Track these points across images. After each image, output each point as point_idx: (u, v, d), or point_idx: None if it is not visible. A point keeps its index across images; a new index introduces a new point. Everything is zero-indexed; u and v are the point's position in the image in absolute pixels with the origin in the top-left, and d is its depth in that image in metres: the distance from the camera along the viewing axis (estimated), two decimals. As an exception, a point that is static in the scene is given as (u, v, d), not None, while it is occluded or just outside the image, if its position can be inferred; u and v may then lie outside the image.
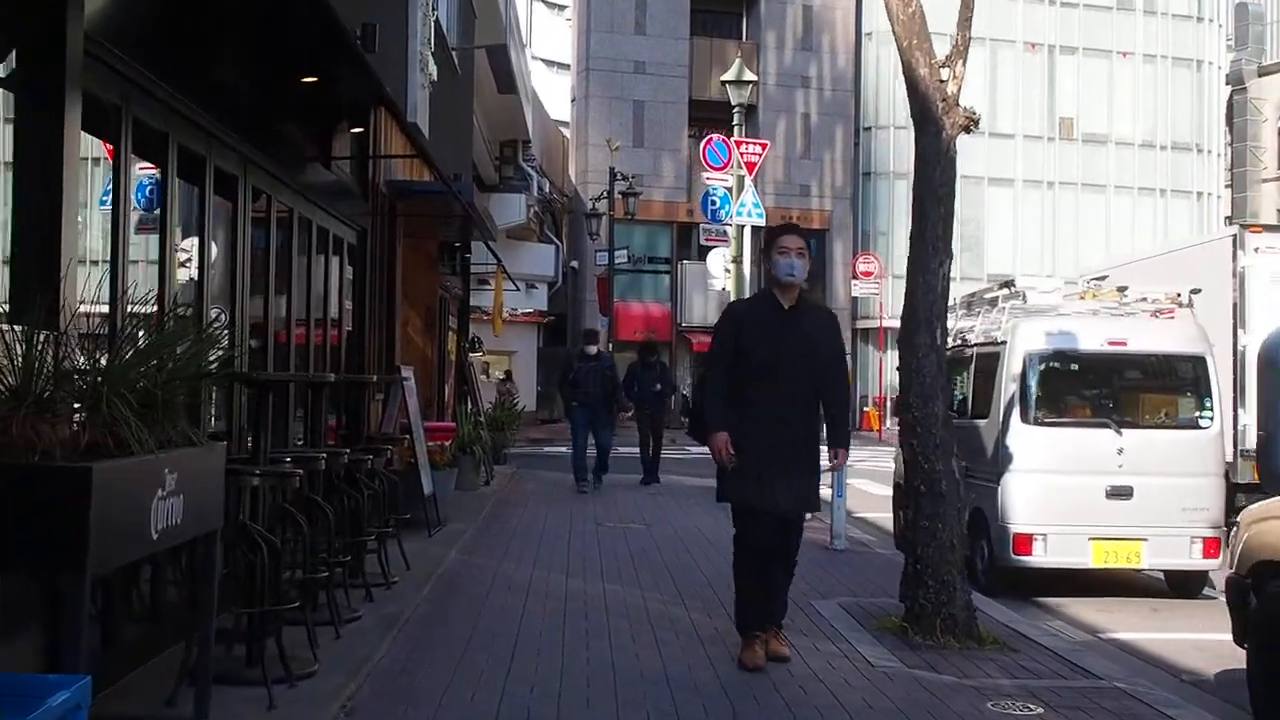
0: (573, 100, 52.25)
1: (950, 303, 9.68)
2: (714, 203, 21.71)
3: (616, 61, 49.01)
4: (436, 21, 16.59)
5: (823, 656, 8.03)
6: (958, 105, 9.21)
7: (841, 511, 13.37)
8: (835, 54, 51.60)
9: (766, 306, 8.28)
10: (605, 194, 43.00)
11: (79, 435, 4.37)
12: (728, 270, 23.39)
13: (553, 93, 53.01)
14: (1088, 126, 53.85)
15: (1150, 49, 54.98)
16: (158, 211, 7.40)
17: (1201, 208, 55.93)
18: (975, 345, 13.04)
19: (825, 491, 13.20)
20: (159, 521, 4.51)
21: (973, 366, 12.96)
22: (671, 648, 8.24)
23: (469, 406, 20.57)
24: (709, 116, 50.23)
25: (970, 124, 9.22)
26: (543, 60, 56.51)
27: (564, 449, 34.55)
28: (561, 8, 61.18)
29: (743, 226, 21.09)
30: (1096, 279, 14.78)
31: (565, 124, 52.87)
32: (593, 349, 19.70)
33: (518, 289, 32.08)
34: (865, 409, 48.41)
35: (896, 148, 51.72)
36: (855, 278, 48.19)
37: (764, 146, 21.92)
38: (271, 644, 6.64)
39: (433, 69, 15.76)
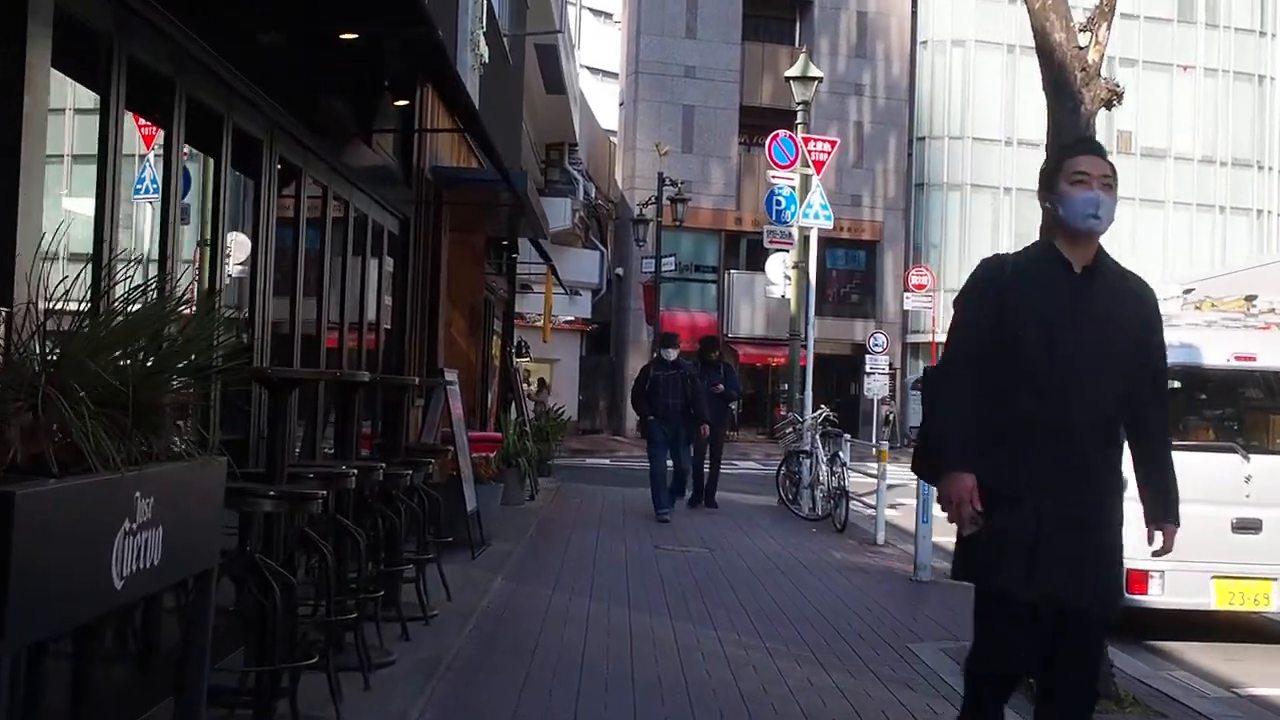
0: (620, 104, 51.14)
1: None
2: (779, 203, 20.27)
3: (666, 65, 47.83)
4: (488, 2, 15.47)
5: (943, 722, 6.74)
6: (1099, 76, 7.90)
7: (928, 540, 12.09)
8: (890, 61, 50.29)
9: (1047, 267, 5.09)
10: (653, 199, 41.82)
11: (10, 446, 3.13)
12: (788, 277, 22.13)
13: (598, 100, 51.81)
14: (1146, 141, 52.45)
15: (1211, 63, 53.66)
16: (178, 189, 6.20)
17: (1261, 225, 54.46)
18: (1082, 358, 11.75)
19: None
20: (125, 564, 3.30)
21: (1078, 382, 11.67)
22: (760, 705, 6.96)
23: (513, 415, 19.18)
24: (759, 123, 49.10)
25: (1114, 97, 7.93)
26: (588, 68, 55.38)
27: (606, 461, 33.44)
28: (609, 15, 60.18)
29: (807, 230, 19.74)
30: (1186, 291, 13.49)
31: (612, 132, 51.74)
32: (672, 354, 17.18)
33: (567, 293, 30.71)
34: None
35: (951, 158, 50.53)
36: (907, 290, 46.83)
37: (833, 144, 20.65)
38: (284, 703, 5.41)
39: (484, 50, 14.64)
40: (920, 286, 46.95)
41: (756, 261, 49.55)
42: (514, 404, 19.78)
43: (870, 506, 17.41)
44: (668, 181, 41.21)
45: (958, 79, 51.00)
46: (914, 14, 51.05)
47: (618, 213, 48.96)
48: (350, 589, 6.70)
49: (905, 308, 48.27)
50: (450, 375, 11.96)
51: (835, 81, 48.91)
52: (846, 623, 9.61)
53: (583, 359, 47.00)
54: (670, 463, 17.09)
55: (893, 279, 49.71)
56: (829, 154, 20.03)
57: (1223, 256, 51.85)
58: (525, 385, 32.11)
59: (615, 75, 54.05)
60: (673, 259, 42.60)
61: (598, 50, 59.07)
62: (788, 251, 21.68)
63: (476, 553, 11.49)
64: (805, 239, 20.14)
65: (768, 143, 20.49)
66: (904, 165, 50.23)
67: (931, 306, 47.18)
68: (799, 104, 21.07)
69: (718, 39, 48.08)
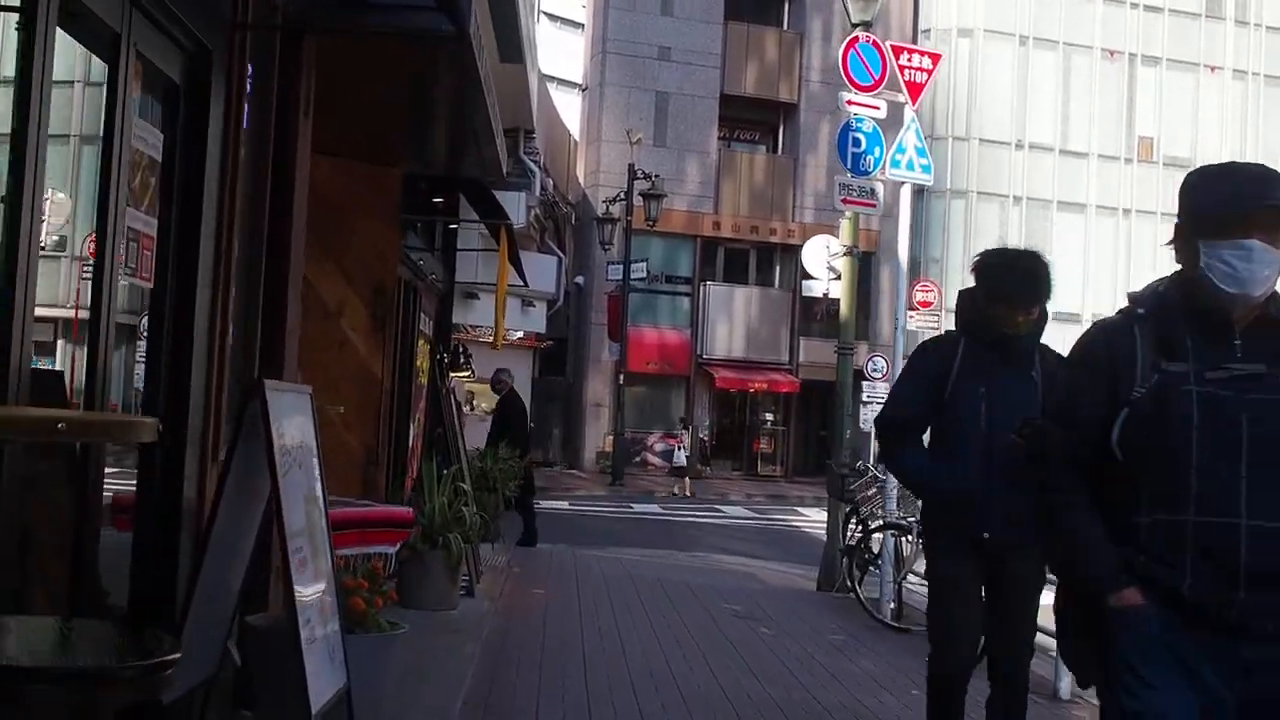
0: (584, 89, 44.98)
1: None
2: (856, 143, 13.94)
3: (638, 45, 41.81)
4: None
5: None
6: None
7: None
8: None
9: None
10: (621, 195, 35.69)
11: None
12: (832, 269, 15.92)
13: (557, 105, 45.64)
14: (1169, 149, 47.18)
15: (1241, 64, 48.70)
16: None
17: (1294, 244, 48.99)
18: None
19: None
20: None
21: None
22: None
23: (440, 459, 12.34)
24: (741, 116, 43.44)
25: None
26: (545, 76, 49.09)
27: (564, 504, 26.92)
28: (570, 22, 54.08)
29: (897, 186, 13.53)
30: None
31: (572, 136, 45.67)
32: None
33: (524, 284, 23.88)
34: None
35: (955, 162, 44.84)
36: (912, 308, 40.90)
37: (935, 59, 14.55)
38: None
39: None
40: (926, 304, 41.17)
41: (735, 273, 43.83)
42: (442, 444, 13.10)
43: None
44: (639, 174, 35.15)
45: (963, 73, 45.26)
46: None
47: (578, 215, 42.84)
48: None
49: (908, 327, 42.41)
50: (289, 394, 5.35)
51: (828, 70, 43.07)
52: None
53: (534, 380, 40.71)
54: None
55: (889, 295, 43.83)
56: (930, 74, 13.93)
57: (1249, 278, 46.62)
58: (469, 410, 25.49)
59: (574, 85, 47.76)
60: (644, 265, 36.50)
61: (556, 59, 53.01)
62: (875, 208, 15.23)
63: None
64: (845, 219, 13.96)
65: (842, 51, 14.24)
66: (903, 168, 44.43)
67: (936, 327, 41.39)
68: (857, 24, 14.99)
69: (697, 17, 42.18)
